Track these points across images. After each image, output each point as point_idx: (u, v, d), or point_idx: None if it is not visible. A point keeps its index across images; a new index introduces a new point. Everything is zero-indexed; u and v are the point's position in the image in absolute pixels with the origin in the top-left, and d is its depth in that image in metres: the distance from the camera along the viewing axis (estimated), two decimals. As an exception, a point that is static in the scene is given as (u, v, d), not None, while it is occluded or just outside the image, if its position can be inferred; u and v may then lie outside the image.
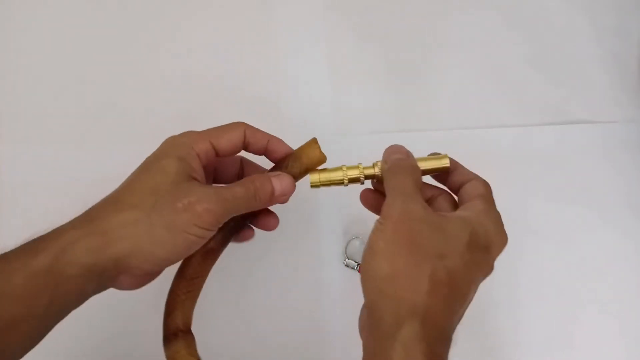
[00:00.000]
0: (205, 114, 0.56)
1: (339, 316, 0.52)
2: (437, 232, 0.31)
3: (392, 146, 0.37)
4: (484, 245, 0.32)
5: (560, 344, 0.52)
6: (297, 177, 0.38)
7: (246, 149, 0.38)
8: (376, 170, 0.37)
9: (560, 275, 0.54)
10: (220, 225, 0.34)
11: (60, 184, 0.53)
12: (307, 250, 0.53)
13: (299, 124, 0.57)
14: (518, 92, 0.60)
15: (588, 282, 0.54)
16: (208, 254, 0.37)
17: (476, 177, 0.37)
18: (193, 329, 0.37)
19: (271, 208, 0.40)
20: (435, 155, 0.38)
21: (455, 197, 0.38)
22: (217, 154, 0.37)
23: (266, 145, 0.38)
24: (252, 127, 0.38)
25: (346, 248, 0.53)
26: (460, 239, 0.31)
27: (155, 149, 0.36)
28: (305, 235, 0.54)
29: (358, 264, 0.52)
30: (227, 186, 0.35)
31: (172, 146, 0.35)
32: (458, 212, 0.34)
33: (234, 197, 0.34)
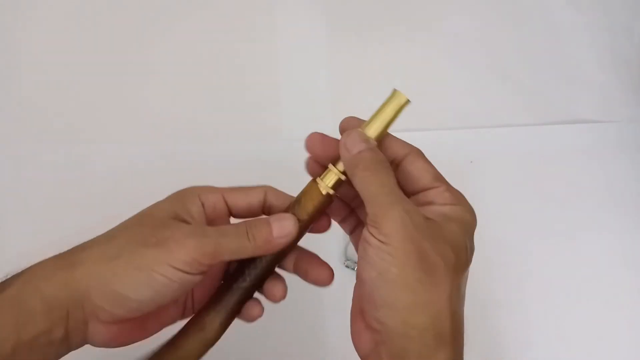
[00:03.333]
0: (206, 113, 0.56)
1: (339, 316, 0.52)
2: (443, 244, 0.28)
3: (347, 135, 0.32)
4: (472, 238, 0.30)
5: (561, 344, 0.52)
6: (305, 222, 0.33)
7: (268, 212, 0.34)
8: (335, 175, 0.32)
9: (561, 275, 0.54)
10: (203, 269, 0.29)
11: (60, 184, 0.53)
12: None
13: (298, 124, 0.57)
14: (519, 92, 0.60)
15: (589, 281, 0.54)
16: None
17: (412, 150, 0.32)
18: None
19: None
20: (385, 102, 0.33)
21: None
22: (230, 212, 0.33)
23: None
24: (275, 190, 0.34)
25: (346, 249, 0.53)
26: (462, 246, 0.29)
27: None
28: (305, 236, 0.54)
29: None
30: (217, 226, 0.31)
31: (178, 192, 0.33)
32: (441, 210, 0.30)
33: (220, 233, 0.30)
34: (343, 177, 0.32)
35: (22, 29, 0.57)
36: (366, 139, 0.32)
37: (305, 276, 0.35)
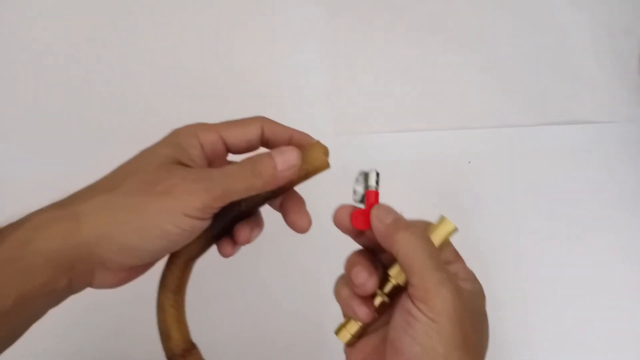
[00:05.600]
0: (206, 112, 0.56)
1: (339, 316, 0.52)
2: (480, 324, 0.30)
3: (377, 207, 0.32)
4: None
5: (561, 344, 0.52)
6: (297, 180, 0.33)
7: (266, 145, 0.34)
8: (394, 282, 0.32)
9: (561, 275, 0.54)
10: (213, 213, 0.29)
11: (60, 184, 0.53)
12: (307, 250, 0.53)
13: (299, 124, 0.57)
14: (519, 92, 0.60)
15: (590, 281, 0.54)
16: (189, 262, 0.33)
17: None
18: (191, 328, 0.36)
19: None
20: (437, 222, 0.33)
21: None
22: (228, 149, 0.33)
23: (289, 141, 0.33)
24: (271, 121, 0.33)
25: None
26: (487, 321, 0.31)
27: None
28: (305, 235, 0.54)
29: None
30: (221, 168, 0.30)
31: (174, 134, 0.32)
32: (466, 286, 0.31)
33: (226, 175, 0.29)
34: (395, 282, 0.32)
35: (21, 28, 0.57)
36: (395, 210, 0.32)
37: (285, 216, 0.35)
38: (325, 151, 0.33)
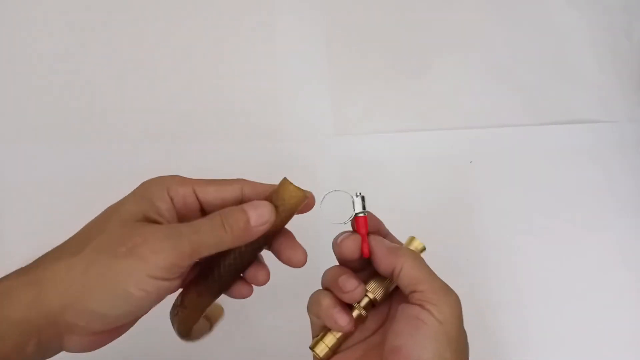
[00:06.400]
0: (206, 113, 0.56)
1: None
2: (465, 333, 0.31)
3: (376, 237, 0.33)
4: None
5: (561, 344, 0.52)
6: (280, 223, 0.31)
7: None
8: (371, 296, 0.33)
9: (561, 275, 0.54)
10: (182, 271, 0.27)
11: (60, 184, 0.53)
12: (306, 249, 0.53)
13: (298, 124, 0.57)
14: (518, 92, 0.60)
15: (589, 281, 0.54)
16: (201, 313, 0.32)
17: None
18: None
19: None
20: (406, 242, 0.35)
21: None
22: (202, 206, 0.31)
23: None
24: (252, 183, 0.32)
25: None
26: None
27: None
28: (306, 234, 0.54)
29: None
30: (190, 222, 0.28)
31: (143, 186, 0.30)
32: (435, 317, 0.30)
33: (194, 230, 0.27)
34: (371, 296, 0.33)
35: (21, 28, 0.57)
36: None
37: (278, 255, 0.34)
38: (294, 188, 0.31)
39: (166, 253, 0.26)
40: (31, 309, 0.26)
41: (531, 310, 0.53)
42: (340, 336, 0.33)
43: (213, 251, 0.28)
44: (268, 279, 0.33)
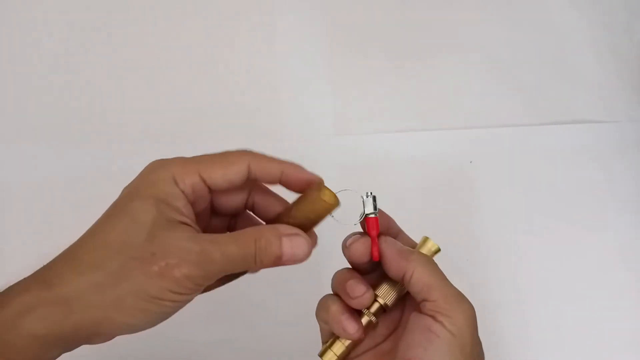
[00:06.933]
0: (206, 113, 0.56)
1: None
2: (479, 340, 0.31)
3: (387, 238, 0.32)
4: None
5: (561, 344, 0.52)
6: (306, 229, 0.31)
7: (254, 184, 0.32)
8: (381, 302, 0.32)
9: (561, 275, 0.54)
10: (203, 288, 0.28)
11: (60, 184, 0.53)
12: (314, 251, 0.53)
13: (299, 124, 0.57)
14: (519, 92, 0.60)
15: (589, 281, 0.54)
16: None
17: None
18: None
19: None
20: (420, 243, 0.33)
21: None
22: (210, 190, 0.30)
23: (279, 176, 0.31)
24: (259, 156, 0.30)
25: None
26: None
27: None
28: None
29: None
30: (219, 240, 0.28)
31: (149, 183, 0.29)
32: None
33: (225, 258, 0.27)
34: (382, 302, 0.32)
35: (21, 28, 0.57)
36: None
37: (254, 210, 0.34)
38: (328, 195, 0.30)
39: (199, 279, 0.27)
40: (58, 326, 0.26)
41: (531, 310, 0.53)
42: (349, 344, 0.32)
43: (235, 273, 0.30)
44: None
